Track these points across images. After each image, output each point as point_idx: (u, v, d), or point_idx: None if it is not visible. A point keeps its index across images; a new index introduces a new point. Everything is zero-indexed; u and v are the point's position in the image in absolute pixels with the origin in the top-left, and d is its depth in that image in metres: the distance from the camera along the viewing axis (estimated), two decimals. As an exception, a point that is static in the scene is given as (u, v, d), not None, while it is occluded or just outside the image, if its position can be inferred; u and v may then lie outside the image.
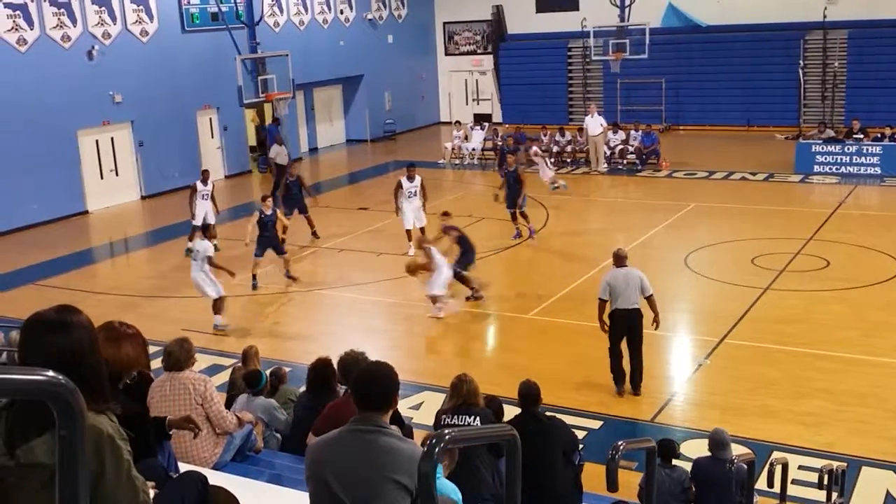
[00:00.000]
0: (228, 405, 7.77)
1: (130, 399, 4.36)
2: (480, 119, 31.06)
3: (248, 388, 8.00)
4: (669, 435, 8.54)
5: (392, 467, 3.54)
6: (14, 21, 19.96)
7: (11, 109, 19.64)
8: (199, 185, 17.08)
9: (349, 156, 29.20)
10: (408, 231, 16.46)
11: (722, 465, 7.03)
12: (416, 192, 16.54)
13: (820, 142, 22.67)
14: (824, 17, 26.73)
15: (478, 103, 33.87)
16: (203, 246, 12.90)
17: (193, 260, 13.07)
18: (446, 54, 34.23)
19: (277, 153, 22.10)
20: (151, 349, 8.01)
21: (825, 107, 27.53)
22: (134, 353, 4.31)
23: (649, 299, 10.29)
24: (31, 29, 20.32)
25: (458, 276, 13.73)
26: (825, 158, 22.21)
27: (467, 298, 13.91)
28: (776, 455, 8.37)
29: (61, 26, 20.95)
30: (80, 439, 2.02)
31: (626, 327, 10.24)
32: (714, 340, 11.86)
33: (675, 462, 7.37)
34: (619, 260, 10.40)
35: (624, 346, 10.42)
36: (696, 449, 8.48)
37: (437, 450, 2.99)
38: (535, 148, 21.65)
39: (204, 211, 16.88)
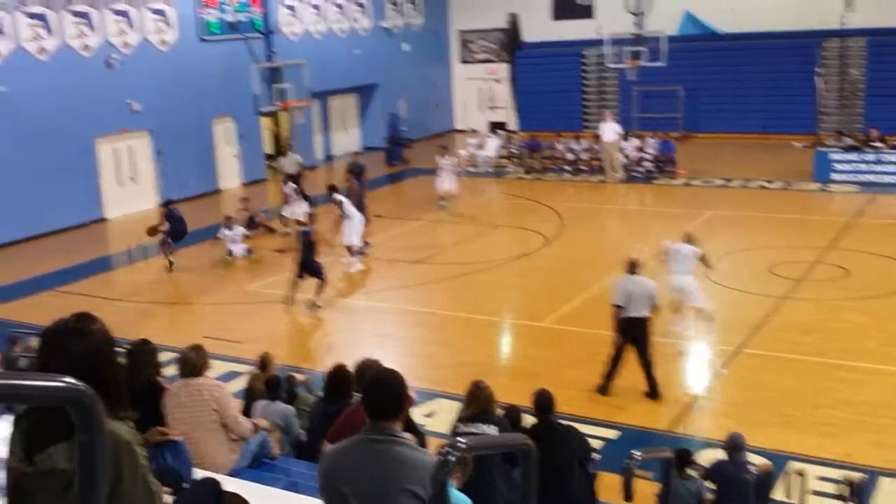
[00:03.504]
0: (246, 412, 7.81)
1: None
2: (495, 127, 31.07)
3: (268, 394, 8.04)
4: (685, 445, 8.50)
5: (406, 477, 3.52)
6: (35, 30, 20.15)
7: (31, 117, 19.82)
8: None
9: (364, 163, 29.23)
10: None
11: (741, 468, 7.02)
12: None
13: (838, 150, 22.55)
14: (842, 24, 26.62)
15: (493, 111, 33.89)
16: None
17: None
18: (461, 62, 34.30)
19: (285, 162, 21.95)
20: (167, 356, 8.06)
21: (843, 115, 27.39)
22: None
23: (653, 308, 10.33)
24: (52, 38, 20.51)
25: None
26: (843, 167, 22.08)
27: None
28: (794, 465, 8.32)
29: (81, 35, 21.13)
30: (100, 445, 2.03)
31: (634, 335, 10.31)
32: (731, 350, 11.79)
33: (690, 472, 7.33)
34: (633, 267, 10.42)
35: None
36: (712, 459, 8.42)
37: (451, 458, 2.99)
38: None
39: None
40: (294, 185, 19.61)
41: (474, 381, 6.93)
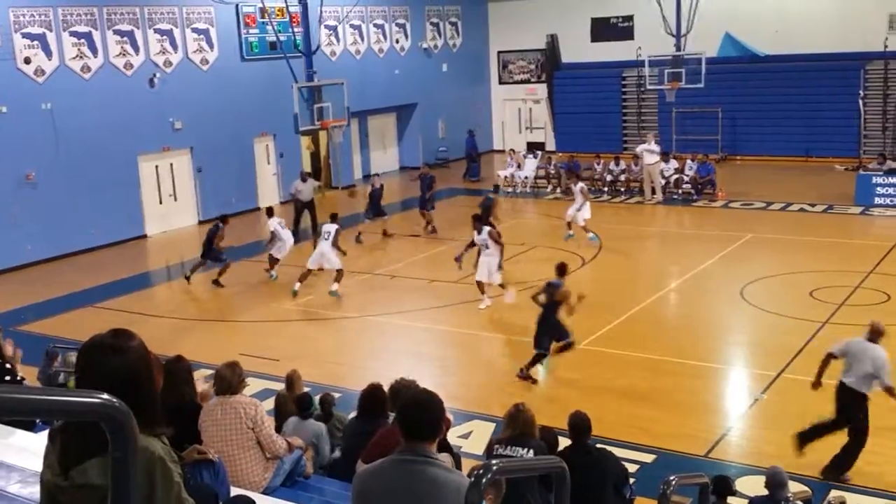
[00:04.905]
0: (278, 430, 7.80)
1: None
2: (534, 147, 31.05)
3: (298, 412, 8.02)
4: (723, 471, 8.36)
5: (439, 499, 3.49)
6: (79, 49, 20.53)
7: (75, 135, 20.17)
8: None
9: (402, 183, 29.33)
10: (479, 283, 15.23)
11: (782, 504, 6.84)
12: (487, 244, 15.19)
13: (881, 174, 22.23)
14: (885, 46, 26.29)
15: (531, 132, 33.89)
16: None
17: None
18: (500, 83, 34.38)
19: (299, 189, 21.09)
20: (205, 373, 8.09)
21: (886, 138, 27.00)
22: None
23: (887, 390, 8.82)
24: (95, 57, 20.88)
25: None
26: (886, 190, 21.75)
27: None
28: (834, 494, 8.14)
29: (124, 54, 21.51)
30: (133, 461, 2.04)
31: (844, 403, 8.94)
32: (771, 375, 11.61)
33: (730, 500, 7.19)
34: (875, 335, 9.01)
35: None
36: (751, 486, 8.28)
37: (483, 481, 2.96)
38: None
39: None
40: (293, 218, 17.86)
41: (515, 403, 6.87)
